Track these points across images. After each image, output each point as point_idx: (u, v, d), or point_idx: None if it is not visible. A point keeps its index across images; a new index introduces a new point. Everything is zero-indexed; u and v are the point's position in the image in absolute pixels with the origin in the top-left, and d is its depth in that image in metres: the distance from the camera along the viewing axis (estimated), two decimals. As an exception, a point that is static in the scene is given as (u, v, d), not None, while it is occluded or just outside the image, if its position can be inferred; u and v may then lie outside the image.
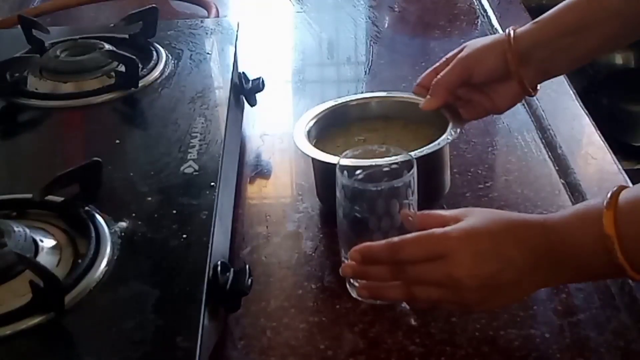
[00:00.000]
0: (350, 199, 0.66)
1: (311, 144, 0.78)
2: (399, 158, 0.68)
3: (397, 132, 0.82)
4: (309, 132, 0.80)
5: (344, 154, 0.68)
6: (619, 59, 1.70)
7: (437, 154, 0.76)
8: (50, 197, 0.65)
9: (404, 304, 0.68)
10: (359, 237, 0.66)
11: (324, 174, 0.77)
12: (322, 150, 0.76)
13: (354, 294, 0.69)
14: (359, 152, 0.69)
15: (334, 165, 0.67)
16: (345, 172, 0.67)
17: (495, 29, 1.20)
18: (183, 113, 0.81)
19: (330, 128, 0.82)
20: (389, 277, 0.64)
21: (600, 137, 0.92)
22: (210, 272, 0.60)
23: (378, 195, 0.65)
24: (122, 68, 0.87)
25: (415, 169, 0.65)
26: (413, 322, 0.67)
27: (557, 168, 0.87)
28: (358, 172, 0.68)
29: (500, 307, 0.66)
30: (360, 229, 0.66)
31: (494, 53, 0.78)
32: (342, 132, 0.82)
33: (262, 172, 0.91)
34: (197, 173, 0.71)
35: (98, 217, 0.65)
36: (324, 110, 0.83)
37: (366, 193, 0.65)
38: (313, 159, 0.77)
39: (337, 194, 0.66)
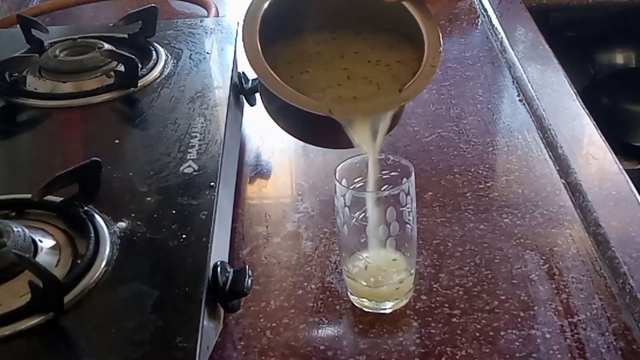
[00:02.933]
0: (349, 207, 0.66)
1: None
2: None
3: (351, 41, 0.70)
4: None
5: (341, 163, 0.68)
6: (619, 59, 1.69)
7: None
8: (49, 197, 0.65)
9: (404, 305, 0.68)
10: (358, 244, 0.66)
11: (276, 100, 0.64)
12: (273, 68, 0.63)
13: (356, 303, 0.69)
14: (357, 162, 0.68)
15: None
16: (344, 180, 0.66)
17: (496, 28, 1.20)
18: (182, 113, 0.81)
19: (276, 33, 0.68)
20: None
21: (601, 137, 0.92)
22: (210, 273, 0.60)
23: (376, 202, 0.65)
24: (121, 68, 0.87)
25: (413, 176, 0.65)
26: (413, 322, 0.67)
27: (557, 168, 0.87)
28: (357, 179, 0.68)
29: None
30: (359, 236, 0.66)
31: None
32: (290, 44, 0.69)
33: (262, 172, 0.91)
34: (196, 173, 0.71)
35: (97, 217, 0.65)
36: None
37: (364, 201, 0.65)
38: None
39: (336, 201, 0.66)
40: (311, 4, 0.70)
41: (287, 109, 0.62)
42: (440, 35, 0.64)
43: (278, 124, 0.68)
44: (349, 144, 0.67)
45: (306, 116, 0.62)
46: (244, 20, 0.65)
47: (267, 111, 0.69)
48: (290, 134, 0.70)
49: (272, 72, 0.63)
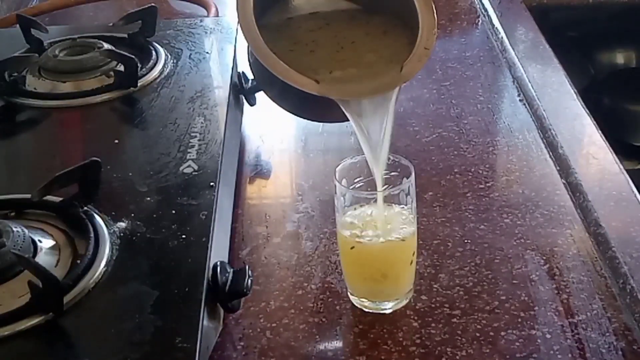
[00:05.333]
0: (349, 207, 0.66)
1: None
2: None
3: (346, 27, 0.68)
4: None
5: (341, 163, 0.68)
6: (620, 59, 1.69)
7: None
8: (48, 197, 0.65)
9: (404, 305, 0.68)
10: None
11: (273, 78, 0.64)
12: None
13: (356, 303, 0.69)
14: (357, 162, 0.68)
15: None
16: (344, 180, 0.66)
17: (496, 28, 1.20)
18: (182, 113, 0.81)
19: (270, 16, 0.67)
20: None
21: (601, 137, 0.92)
22: (210, 273, 0.60)
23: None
24: (121, 67, 0.87)
25: (413, 176, 0.65)
26: (413, 322, 0.67)
27: (558, 168, 0.87)
28: (357, 179, 0.68)
29: None
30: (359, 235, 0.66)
31: None
32: (285, 30, 0.68)
33: (261, 172, 0.91)
34: (196, 173, 0.71)
35: (97, 217, 0.65)
36: None
37: (364, 200, 0.65)
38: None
39: (336, 201, 0.66)
40: None
41: (287, 90, 0.62)
42: (436, 16, 0.63)
43: (279, 105, 0.68)
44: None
45: (304, 95, 0.62)
46: (237, 3, 0.64)
47: (267, 94, 0.70)
48: (291, 113, 0.70)
49: (270, 51, 0.62)
